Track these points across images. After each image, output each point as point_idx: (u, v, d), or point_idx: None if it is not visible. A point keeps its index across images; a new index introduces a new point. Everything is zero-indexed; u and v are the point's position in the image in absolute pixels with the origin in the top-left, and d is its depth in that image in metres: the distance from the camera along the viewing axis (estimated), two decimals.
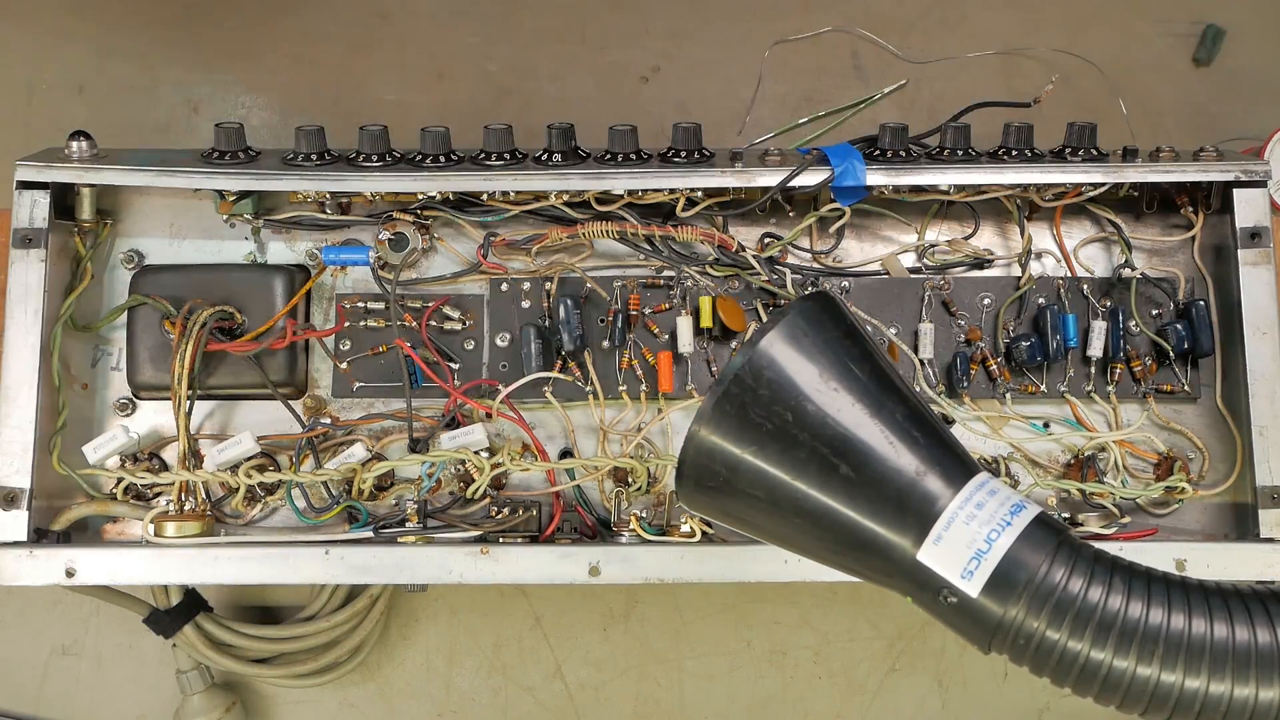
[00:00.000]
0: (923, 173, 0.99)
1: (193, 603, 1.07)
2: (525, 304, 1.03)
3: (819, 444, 0.64)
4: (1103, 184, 1.00)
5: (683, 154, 1.01)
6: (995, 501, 0.64)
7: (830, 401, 0.65)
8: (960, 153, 1.01)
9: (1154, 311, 1.03)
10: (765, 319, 0.65)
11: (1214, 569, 0.95)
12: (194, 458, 1.01)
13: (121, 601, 1.06)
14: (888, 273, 1.04)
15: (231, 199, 1.03)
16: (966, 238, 1.05)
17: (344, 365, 1.04)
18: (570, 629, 1.15)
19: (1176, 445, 1.03)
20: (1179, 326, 1.01)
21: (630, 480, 1.01)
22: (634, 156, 1.02)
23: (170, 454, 1.03)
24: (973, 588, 0.63)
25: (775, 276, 1.02)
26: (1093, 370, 1.02)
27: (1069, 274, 1.04)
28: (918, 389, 1.02)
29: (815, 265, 1.04)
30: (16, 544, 0.96)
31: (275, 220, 1.04)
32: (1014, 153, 1.01)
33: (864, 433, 0.65)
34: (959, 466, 0.66)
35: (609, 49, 1.19)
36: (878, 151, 1.01)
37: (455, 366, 1.02)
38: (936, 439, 0.66)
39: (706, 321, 1.01)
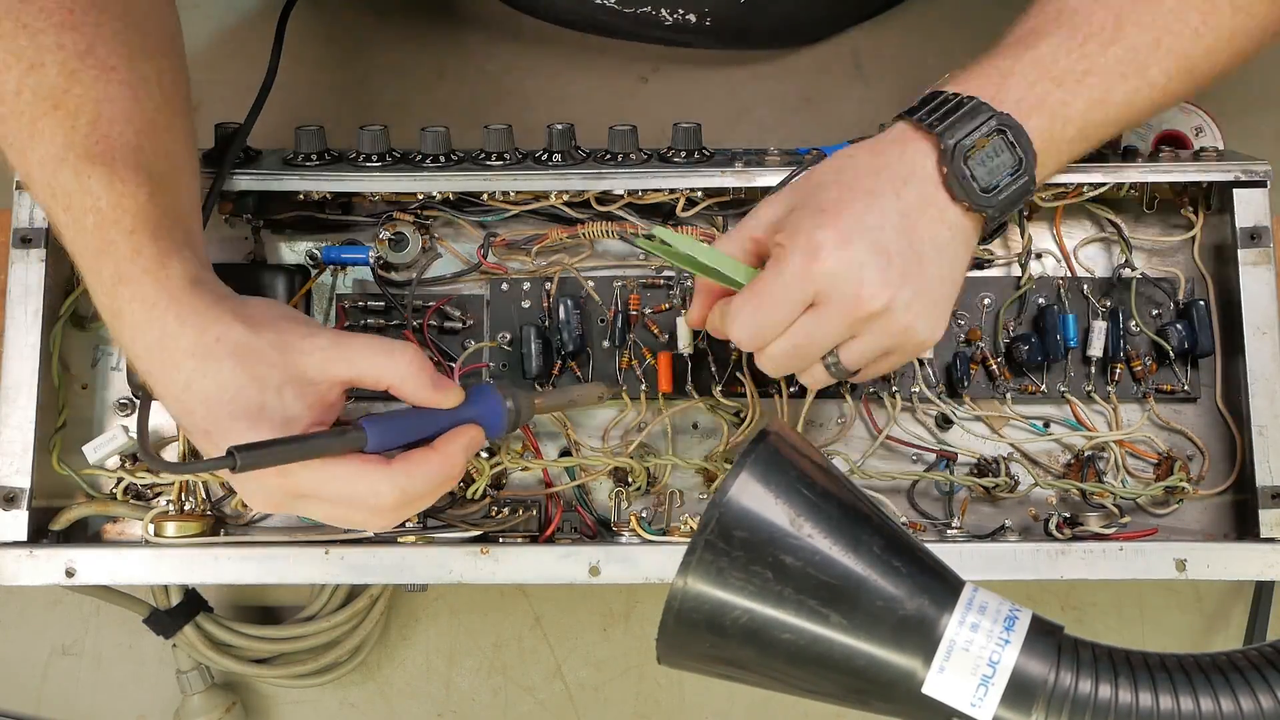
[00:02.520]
0: None
1: (193, 603, 1.07)
2: (525, 304, 1.03)
3: (805, 597, 0.64)
4: (1103, 184, 1.00)
5: (683, 154, 1.01)
6: (988, 619, 0.64)
7: (808, 550, 0.65)
8: None
9: (1154, 311, 1.03)
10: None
11: (1214, 569, 0.95)
12: (194, 458, 1.01)
13: (121, 601, 1.06)
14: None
15: (231, 199, 1.02)
16: None
17: None
18: (570, 629, 1.15)
19: (1176, 445, 1.04)
20: (1179, 326, 1.01)
21: (630, 480, 1.01)
22: (634, 156, 1.02)
23: (170, 454, 1.03)
24: (985, 713, 0.63)
25: None
26: (1093, 370, 1.02)
27: (1069, 274, 1.04)
28: (916, 390, 1.02)
29: None
30: (16, 544, 0.96)
31: (275, 220, 1.04)
32: None
33: (848, 576, 0.65)
34: (944, 586, 0.66)
35: (609, 49, 1.19)
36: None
37: (454, 366, 1.02)
38: (916, 562, 0.66)
39: None
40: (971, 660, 0.63)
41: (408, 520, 0.99)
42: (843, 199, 0.82)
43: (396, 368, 0.82)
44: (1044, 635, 0.64)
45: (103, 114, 0.83)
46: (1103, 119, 0.88)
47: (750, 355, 1.02)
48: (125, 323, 0.81)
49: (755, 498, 0.65)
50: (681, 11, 1.10)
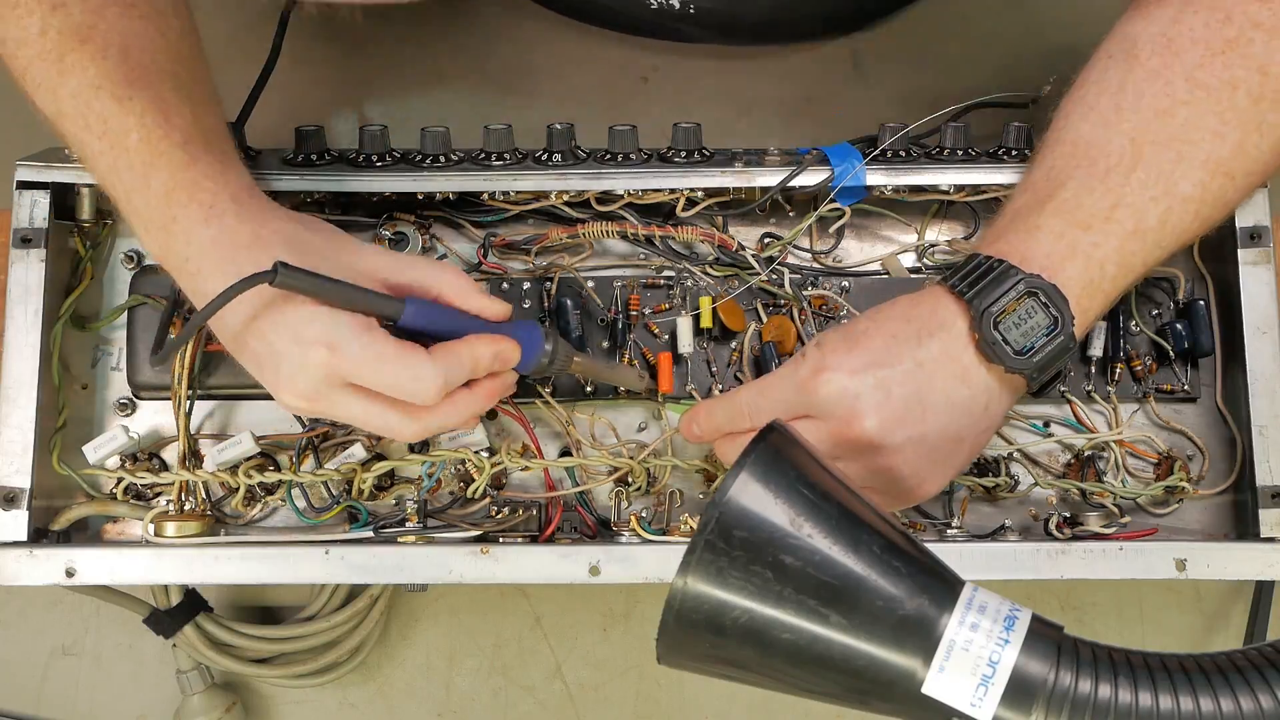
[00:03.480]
0: (923, 173, 1.00)
1: (193, 603, 1.07)
2: (525, 304, 1.03)
3: (805, 597, 0.64)
4: None
5: (683, 154, 1.01)
6: (988, 619, 0.64)
7: (808, 550, 0.65)
8: (960, 153, 1.01)
9: (1154, 311, 1.03)
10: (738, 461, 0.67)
11: (1214, 569, 0.95)
12: (194, 458, 1.01)
13: (121, 601, 1.06)
14: (888, 273, 1.05)
15: None
16: (966, 238, 1.05)
17: None
18: (570, 629, 1.15)
19: (1176, 445, 1.04)
20: (1179, 326, 1.01)
21: (630, 480, 1.01)
22: (634, 156, 1.02)
23: (170, 454, 1.03)
24: (984, 713, 0.63)
25: (774, 276, 1.02)
26: (1093, 370, 1.02)
27: None
28: None
29: (815, 265, 1.04)
30: (16, 544, 0.96)
31: None
32: (1014, 152, 1.01)
33: (848, 576, 0.65)
34: (943, 586, 0.66)
35: (609, 49, 1.19)
36: (877, 151, 1.01)
37: None
38: (915, 563, 0.66)
39: (706, 322, 1.02)
40: (971, 660, 0.63)
41: (407, 520, 0.99)
42: (868, 333, 0.85)
43: (443, 275, 0.87)
44: (1044, 635, 0.64)
45: (132, 45, 0.85)
46: (1142, 247, 0.86)
47: (749, 357, 1.02)
48: (178, 229, 0.84)
49: (755, 498, 0.65)
50: (709, 4, 1.10)
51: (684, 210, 1.01)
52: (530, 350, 0.90)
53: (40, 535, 0.98)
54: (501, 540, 0.98)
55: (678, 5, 1.10)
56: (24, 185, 0.99)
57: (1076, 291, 0.84)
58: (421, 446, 1.01)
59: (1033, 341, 0.84)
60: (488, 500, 1.01)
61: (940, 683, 0.63)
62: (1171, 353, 1.02)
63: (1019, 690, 0.63)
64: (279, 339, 0.83)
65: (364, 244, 0.89)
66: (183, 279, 0.86)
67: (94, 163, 0.86)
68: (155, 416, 1.04)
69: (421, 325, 0.84)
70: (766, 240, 1.04)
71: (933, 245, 1.04)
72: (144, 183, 0.84)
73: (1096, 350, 1.01)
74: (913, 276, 1.04)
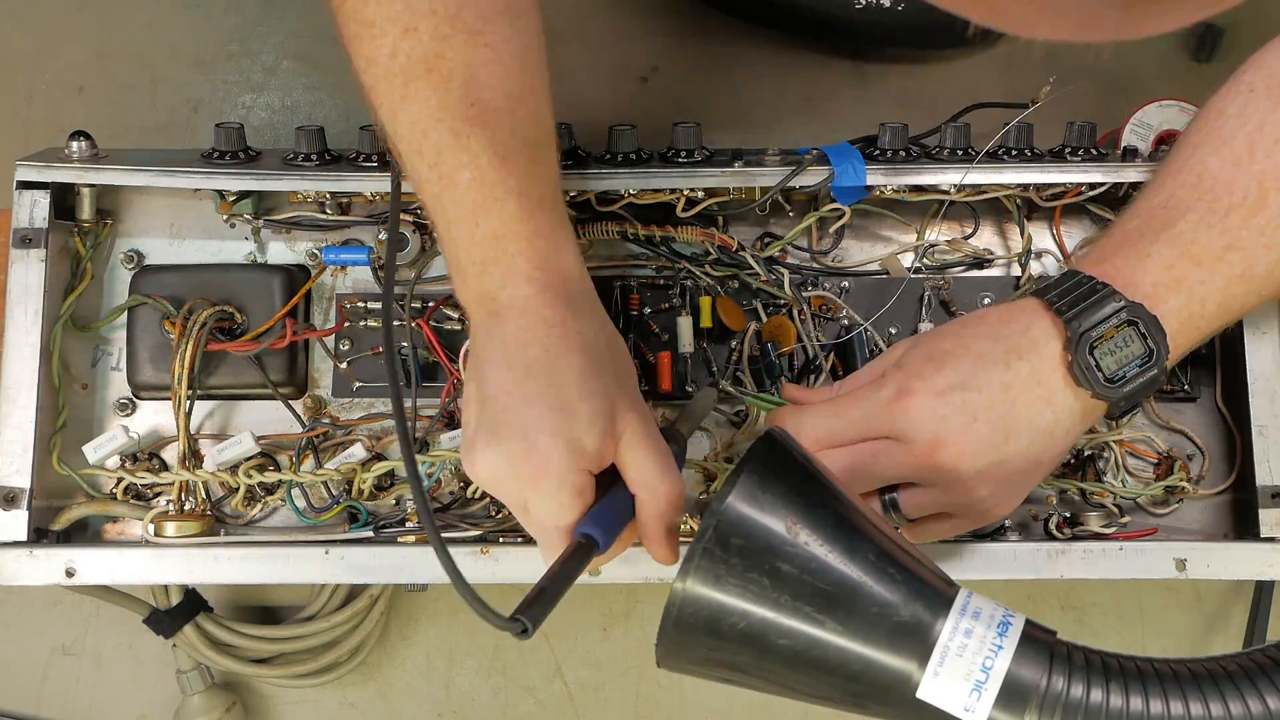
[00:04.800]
0: (923, 173, 0.99)
1: (193, 603, 1.07)
2: None
3: (802, 603, 0.64)
4: (1103, 184, 0.99)
5: (683, 154, 1.01)
6: (982, 624, 0.65)
7: (804, 557, 0.65)
8: (960, 153, 1.01)
9: None
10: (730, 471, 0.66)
11: (1214, 568, 0.95)
12: (194, 458, 1.01)
13: (121, 601, 1.06)
14: (888, 273, 1.04)
15: (231, 199, 1.03)
16: (966, 238, 1.05)
17: (344, 365, 1.04)
18: (570, 629, 1.15)
19: (1176, 445, 1.03)
20: None
21: None
22: (634, 156, 1.02)
23: (170, 454, 1.03)
24: (978, 718, 0.63)
25: (774, 276, 1.02)
26: None
27: None
28: None
29: (815, 265, 1.04)
30: (16, 544, 0.96)
31: (275, 220, 1.04)
32: (1014, 153, 1.01)
33: (844, 583, 0.65)
34: (938, 592, 0.66)
35: (609, 49, 1.19)
36: (877, 151, 1.01)
37: (457, 367, 1.02)
38: (910, 569, 0.67)
39: (706, 321, 1.02)
40: (965, 665, 0.63)
41: (407, 520, 1.00)
42: (954, 353, 0.83)
43: (654, 498, 0.81)
44: (1037, 640, 0.65)
45: (475, 78, 0.84)
46: (1244, 291, 0.84)
47: (750, 357, 1.02)
48: (497, 270, 0.82)
49: (752, 506, 0.65)
50: None
51: (684, 210, 1.01)
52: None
53: (40, 535, 0.98)
54: (501, 540, 0.98)
55: (888, 3, 1.09)
56: (24, 185, 0.99)
57: (1175, 325, 0.82)
58: (421, 447, 1.01)
59: (1125, 371, 0.82)
60: (488, 500, 1.01)
61: (935, 687, 0.63)
62: None
63: (1012, 695, 0.63)
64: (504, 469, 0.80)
65: (636, 400, 0.83)
66: (480, 314, 0.84)
67: (420, 187, 0.85)
68: (155, 416, 1.04)
69: (610, 542, 0.81)
70: (766, 240, 1.04)
71: (932, 245, 1.04)
72: (471, 221, 0.82)
73: None
74: (912, 276, 1.04)
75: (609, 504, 0.80)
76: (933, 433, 0.81)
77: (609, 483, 0.81)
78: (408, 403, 1.02)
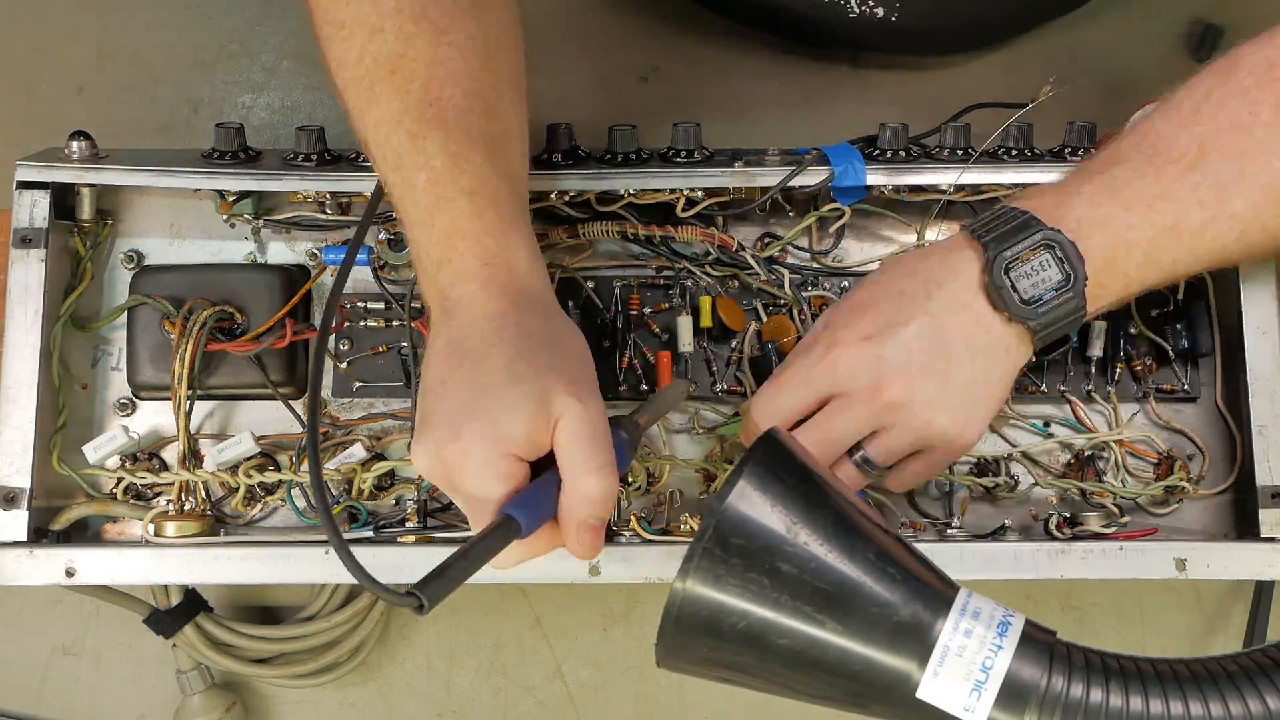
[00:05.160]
0: (923, 173, 0.99)
1: (193, 603, 1.07)
2: None
3: (801, 603, 0.65)
4: None
5: (683, 154, 1.01)
6: (982, 624, 0.65)
7: (804, 557, 0.65)
8: (960, 153, 1.01)
9: (1154, 312, 1.03)
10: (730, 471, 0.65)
11: (1214, 568, 0.95)
12: (194, 458, 1.01)
13: (121, 601, 1.06)
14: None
15: (231, 199, 1.03)
16: None
17: (344, 365, 1.04)
18: (570, 629, 1.15)
19: (1176, 445, 1.03)
20: (1179, 326, 1.01)
21: (630, 480, 1.01)
22: (634, 156, 1.02)
23: (170, 454, 1.03)
24: (978, 717, 0.63)
25: (774, 276, 1.02)
26: (1093, 370, 1.02)
27: None
28: None
29: (815, 265, 1.04)
30: (16, 544, 0.96)
31: (275, 220, 1.04)
32: (1014, 153, 1.01)
33: (844, 583, 0.65)
34: (938, 592, 0.66)
35: (609, 49, 1.19)
36: (877, 151, 1.01)
37: None
38: (910, 569, 0.67)
39: (706, 321, 1.02)
40: (965, 665, 0.63)
41: (407, 520, 1.00)
42: (874, 297, 0.85)
43: (577, 495, 0.79)
44: (1036, 640, 0.65)
45: (434, 77, 0.85)
46: (1175, 246, 0.85)
47: (749, 357, 1.02)
48: (450, 268, 0.83)
49: (752, 506, 0.65)
50: (870, 4, 1.09)
51: (684, 210, 1.01)
52: (621, 460, 0.84)
53: (40, 535, 0.98)
54: None
55: (881, 13, 1.09)
56: (24, 185, 0.99)
57: (1098, 263, 0.83)
58: None
59: (1040, 294, 0.83)
60: None
61: (934, 687, 0.63)
62: (1171, 353, 1.02)
63: (1012, 695, 0.63)
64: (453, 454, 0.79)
65: (579, 389, 0.80)
66: (436, 311, 0.85)
67: (389, 190, 0.86)
68: (155, 416, 1.04)
69: (534, 527, 0.79)
70: (766, 240, 1.04)
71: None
72: (428, 222, 0.83)
73: (1097, 350, 1.01)
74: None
75: (538, 489, 0.79)
76: (872, 376, 0.83)
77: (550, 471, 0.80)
78: (408, 403, 1.02)
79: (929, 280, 0.85)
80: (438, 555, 0.94)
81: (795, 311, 1.02)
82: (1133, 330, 1.02)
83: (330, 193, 1.02)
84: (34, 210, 0.99)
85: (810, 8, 1.10)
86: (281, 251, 1.06)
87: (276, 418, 1.03)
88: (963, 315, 0.84)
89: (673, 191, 1.00)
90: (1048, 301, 0.83)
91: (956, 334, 0.83)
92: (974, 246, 0.85)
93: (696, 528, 0.98)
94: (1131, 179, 0.85)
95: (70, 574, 0.96)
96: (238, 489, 1.00)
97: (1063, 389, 1.03)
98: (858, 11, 1.09)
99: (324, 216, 1.04)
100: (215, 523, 1.01)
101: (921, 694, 0.64)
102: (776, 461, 0.67)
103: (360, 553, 0.95)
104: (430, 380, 0.81)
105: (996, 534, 1.01)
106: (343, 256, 1.02)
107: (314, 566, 0.96)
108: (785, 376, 0.88)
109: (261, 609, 1.14)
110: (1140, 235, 0.84)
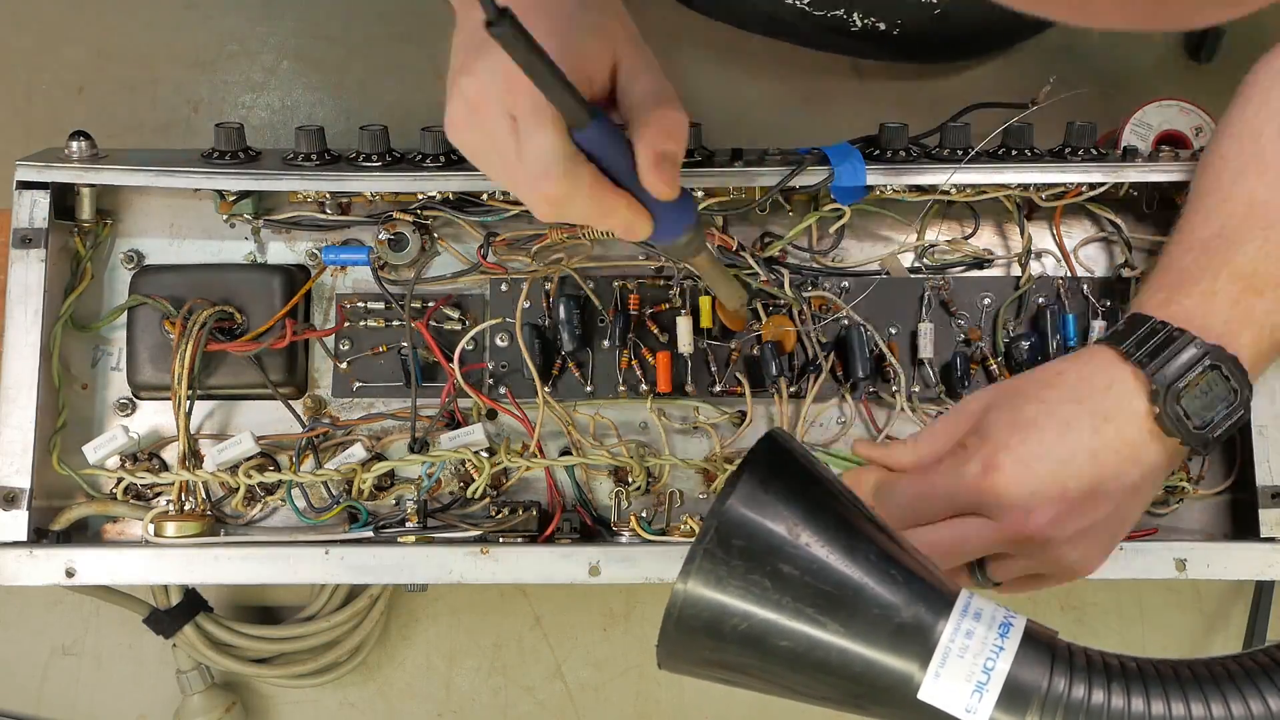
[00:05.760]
0: (923, 173, 0.99)
1: (193, 603, 1.07)
2: (525, 304, 1.02)
3: (803, 605, 0.64)
4: (1103, 184, 0.99)
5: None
6: (983, 625, 0.65)
7: (806, 559, 0.65)
8: (960, 153, 1.01)
9: None
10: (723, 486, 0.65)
11: (1214, 569, 0.95)
12: (194, 458, 1.01)
13: (121, 601, 1.06)
14: (888, 273, 1.04)
15: (231, 199, 1.03)
16: (966, 238, 1.05)
17: (344, 365, 1.04)
18: (570, 629, 1.15)
19: None
20: None
21: (630, 480, 1.01)
22: None
23: (170, 454, 1.03)
24: (979, 718, 0.63)
25: (774, 276, 1.02)
26: None
27: (1069, 274, 1.04)
28: (916, 390, 1.02)
29: (815, 265, 1.04)
30: (16, 544, 0.96)
31: (275, 220, 1.04)
32: (1014, 152, 1.01)
33: (845, 584, 0.65)
34: (939, 593, 0.66)
35: None
36: (877, 151, 1.01)
37: (454, 367, 1.02)
38: (911, 570, 0.67)
39: (706, 321, 1.02)
40: (966, 666, 0.63)
41: (407, 520, 1.00)
42: (1038, 421, 0.81)
43: (656, 127, 0.75)
44: (1038, 641, 0.65)
45: None
46: None
47: (749, 357, 1.02)
48: None
49: (754, 507, 0.65)
50: (873, 19, 1.09)
51: None
52: (673, 225, 0.81)
53: (40, 535, 0.98)
54: (501, 540, 0.98)
55: (883, 27, 1.09)
56: (24, 185, 0.99)
57: (1250, 359, 0.81)
58: (421, 447, 1.01)
59: (1213, 416, 0.80)
60: (487, 500, 1.01)
61: (936, 688, 0.63)
62: None
63: (1014, 696, 0.63)
64: (472, 85, 0.75)
65: (635, 35, 0.79)
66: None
67: None
68: (155, 416, 1.04)
69: (588, 149, 0.75)
70: (766, 240, 1.04)
71: (933, 245, 1.04)
72: None
73: None
74: (913, 276, 1.04)
75: (605, 129, 0.75)
76: (1023, 507, 0.79)
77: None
78: (407, 403, 1.02)
79: (1095, 413, 0.81)
80: (438, 555, 0.96)
81: (795, 311, 1.02)
82: None
83: (330, 193, 1.02)
84: (34, 210, 0.99)
85: (812, 24, 1.10)
86: (281, 251, 1.06)
87: (276, 418, 1.03)
88: (1123, 453, 0.80)
89: None
90: (1220, 423, 0.80)
91: (1111, 473, 0.80)
92: (1134, 373, 0.81)
93: (697, 528, 0.98)
94: (1258, 262, 0.82)
95: (70, 574, 0.96)
96: (238, 489, 1.00)
97: None
98: (859, 25, 1.09)
99: (324, 216, 1.04)
100: (215, 523, 1.01)
101: (923, 695, 0.64)
102: (778, 463, 0.67)
103: (360, 552, 0.96)
104: (464, 44, 0.77)
105: None
106: (343, 256, 1.03)
107: (314, 566, 0.96)
108: (934, 480, 0.83)
109: (261, 609, 1.14)
110: (1278, 317, 0.82)
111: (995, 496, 0.80)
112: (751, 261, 1.01)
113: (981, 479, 0.80)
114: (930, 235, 1.05)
